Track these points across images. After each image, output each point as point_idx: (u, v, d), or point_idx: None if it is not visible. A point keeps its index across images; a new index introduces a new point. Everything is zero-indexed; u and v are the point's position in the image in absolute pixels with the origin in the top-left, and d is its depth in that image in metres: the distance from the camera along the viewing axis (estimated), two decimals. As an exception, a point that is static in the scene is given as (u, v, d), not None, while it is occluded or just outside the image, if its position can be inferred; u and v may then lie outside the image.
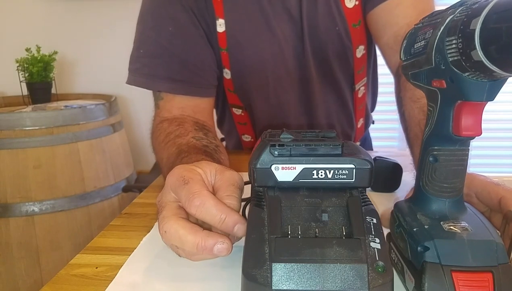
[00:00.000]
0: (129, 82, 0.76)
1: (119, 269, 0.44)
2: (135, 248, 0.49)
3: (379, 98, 1.01)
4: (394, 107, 0.76)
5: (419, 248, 0.35)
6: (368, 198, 0.39)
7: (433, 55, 0.34)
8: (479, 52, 0.28)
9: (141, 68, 0.75)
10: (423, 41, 0.36)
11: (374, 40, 0.82)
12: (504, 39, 0.26)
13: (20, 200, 1.52)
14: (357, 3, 0.76)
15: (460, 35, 0.30)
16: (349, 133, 0.93)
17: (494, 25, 0.27)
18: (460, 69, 0.31)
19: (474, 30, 0.28)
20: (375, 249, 0.33)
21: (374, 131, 1.09)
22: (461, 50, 0.30)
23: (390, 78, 0.89)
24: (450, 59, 0.32)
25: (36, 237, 1.54)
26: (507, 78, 0.31)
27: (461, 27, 0.30)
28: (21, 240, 1.53)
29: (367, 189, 0.40)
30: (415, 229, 0.37)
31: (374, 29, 0.77)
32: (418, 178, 0.40)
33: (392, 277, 0.32)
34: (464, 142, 0.36)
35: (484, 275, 0.33)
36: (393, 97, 0.76)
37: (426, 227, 0.36)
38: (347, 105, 0.89)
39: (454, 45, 0.31)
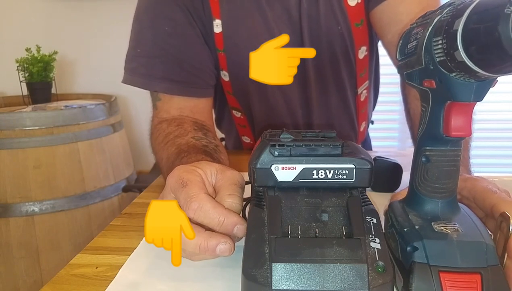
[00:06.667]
0: (125, 81, 0.75)
1: (119, 269, 0.44)
2: (135, 248, 0.49)
3: (378, 98, 1.01)
4: (394, 107, 0.77)
5: (408, 248, 0.35)
6: (368, 198, 0.39)
7: (423, 55, 0.34)
8: (461, 52, 0.28)
9: (137, 68, 0.74)
10: (414, 42, 0.36)
11: (379, 38, 0.82)
12: (482, 39, 0.26)
13: (20, 200, 1.52)
14: (359, 1, 0.75)
15: (444, 35, 0.30)
16: (351, 137, 0.93)
17: (474, 25, 0.27)
18: (447, 69, 0.31)
19: (457, 30, 0.28)
20: (375, 249, 0.33)
21: (374, 131, 1.09)
22: (446, 51, 0.30)
23: (390, 78, 0.89)
24: (437, 59, 0.32)
25: (36, 237, 1.54)
26: (495, 79, 0.31)
27: (446, 27, 0.30)
28: (21, 240, 1.53)
29: (367, 189, 0.40)
30: (405, 229, 0.37)
31: (378, 27, 0.76)
32: (412, 178, 0.40)
33: (392, 277, 0.32)
34: (455, 143, 0.36)
35: (472, 276, 0.33)
36: (393, 97, 0.77)
37: (416, 227, 0.36)
38: (349, 109, 0.88)
39: (440, 46, 0.31)
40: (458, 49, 0.28)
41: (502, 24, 0.24)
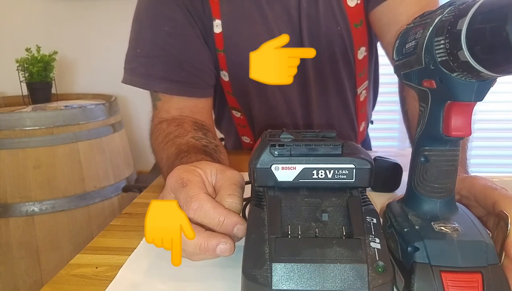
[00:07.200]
0: (125, 81, 0.75)
1: (119, 269, 0.44)
2: (135, 248, 0.49)
3: (378, 98, 1.01)
4: (394, 107, 0.77)
5: (409, 249, 0.35)
6: (368, 198, 0.39)
7: (423, 55, 0.34)
8: (465, 52, 0.28)
9: (137, 68, 0.74)
10: (413, 41, 0.36)
11: (377, 39, 0.82)
12: (488, 39, 0.26)
13: (20, 200, 1.52)
14: (359, 2, 0.75)
15: (447, 35, 0.30)
16: (351, 137, 0.93)
17: (479, 25, 0.27)
18: (449, 69, 0.31)
19: (461, 30, 0.28)
20: (375, 249, 0.33)
21: (374, 131, 1.09)
22: (448, 51, 0.30)
23: (390, 78, 0.88)
24: (439, 59, 0.32)
25: (36, 237, 1.54)
26: (495, 79, 0.31)
27: (449, 27, 0.30)
28: (21, 240, 1.53)
29: (367, 189, 0.40)
30: (405, 230, 0.37)
31: (377, 28, 0.76)
32: (410, 178, 0.40)
33: (392, 277, 0.32)
34: (454, 143, 0.36)
35: (473, 275, 0.33)
36: (392, 97, 0.77)
37: (416, 227, 0.36)
38: (349, 109, 0.88)
39: (442, 46, 0.31)
40: (462, 49, 0.28)
41: (510, 24, 0.24)
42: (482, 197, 0.42)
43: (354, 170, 0.38)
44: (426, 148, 0.37)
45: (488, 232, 0.37)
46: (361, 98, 0.89)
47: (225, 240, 0.38)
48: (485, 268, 0.33)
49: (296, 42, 0.78)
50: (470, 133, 0.35)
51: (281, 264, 0.32)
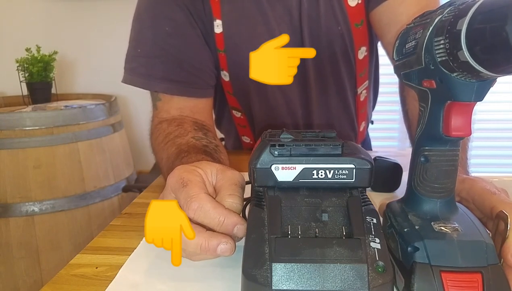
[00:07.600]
0: (125, 81, 0.75)
1: (119, 269, 0.45)
2: (135, 248, 0.49)
3: (378, 98, 1.01)
4: (394, 107, 0.77)
5: (409, 249, 0.35)
6: (368, 198, 0.39)
7: (423, 55, 0.34)
8: (465, 52, 0.28)
9: (137, 68, 0.74)
10: (413, 41, 0.36)
11: (378, 39, 0.82)
12: (488, 39, 0.26)
13: (20, 200, 1.52)
14: (360, 1, 0.75)
15: (447, 35, 0.30)
16: (351, 137, 0.93)
17: (479, 25, 0.27)
18: (448, 69, 0.31)
19: (460, 30, 0.28)
20: (375, 249, 0.33)
21: (374, 131, 1.09)
22: (448, 51, 0.30)
23: (390, 78, 0.88)
24: (439, 59, 0.32)
25: (36, 237, 1.54)
26: (495, 79, 0.31)
27: (448, 27, 0.30)
28: (21, 240, 1.53)
29: (367, 189, 0.40)
30: (405, 230, 0.37)
31: (377, 27, 0.76)
32: (410, 178, 0.40)
33: (392, 277, 0.32)
34: (454, 143, 0.36)
35: (473, 275, 0.33)
36: (392, 97, 0.76)
37: (416, 227, 0.36)
38: (349, 109, 0.88)
39: (442, 46, 0.31)
40: (462, 49, 0.28)
41: (510, 24, 0.24)
42: (480, 200, 0.42)
43: (354, 170, 0.38)
44: (426, 148, 0.37)
45: (488, 232, 0.37)
46: (361, 98, 0.89)
47: (226, 240, 0.38)
48: (485, 268, 0.33)
49: (297, 42, 0.78)
50: (470, 133, 0.35)
51: (281, 264, 0.32)
